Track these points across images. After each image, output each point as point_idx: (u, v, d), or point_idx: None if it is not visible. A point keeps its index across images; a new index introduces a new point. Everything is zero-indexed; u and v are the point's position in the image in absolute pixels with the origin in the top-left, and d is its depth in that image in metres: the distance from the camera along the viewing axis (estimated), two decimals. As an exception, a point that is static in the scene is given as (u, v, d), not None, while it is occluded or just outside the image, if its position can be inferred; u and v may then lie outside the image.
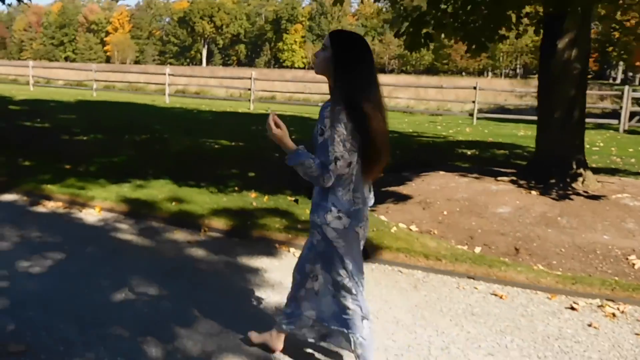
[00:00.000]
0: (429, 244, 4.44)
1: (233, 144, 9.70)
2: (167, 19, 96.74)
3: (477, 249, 4.40)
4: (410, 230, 4.81)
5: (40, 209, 5.36)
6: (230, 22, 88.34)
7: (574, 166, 5.75)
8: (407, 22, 6.75)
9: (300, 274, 2.56)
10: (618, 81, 63.76)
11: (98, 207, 5.34)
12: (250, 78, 19.48)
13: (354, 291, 2.47)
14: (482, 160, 8.82)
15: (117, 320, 3.07)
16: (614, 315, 3.40)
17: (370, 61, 2.29)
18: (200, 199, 5.56)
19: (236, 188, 6.15)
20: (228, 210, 5.21)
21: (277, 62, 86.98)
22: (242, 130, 11.91)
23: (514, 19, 6.49)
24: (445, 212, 5.09)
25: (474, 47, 6.58)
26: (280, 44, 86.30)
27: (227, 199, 5.66)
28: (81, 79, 25.78)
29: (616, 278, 3.92)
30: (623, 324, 3.30)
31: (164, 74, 21.08)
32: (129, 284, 3.57)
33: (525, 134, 13.30)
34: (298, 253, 4.26)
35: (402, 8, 7.55)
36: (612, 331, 3.21)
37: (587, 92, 5.92)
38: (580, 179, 5.71)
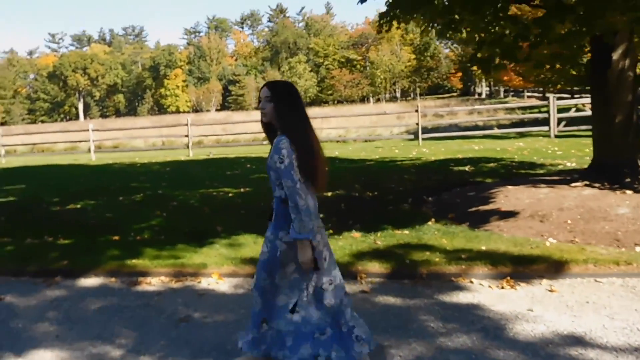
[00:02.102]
0: (599, 251, 4.55)
1: (242, 190, 9.20)
2: (33, 75, 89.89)
3: (638, 249, 4.59)
4: (553, 242, 4.89)
5: (148, 287, 4.66)
6: (105, 73, 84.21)
7: (639, 164, 6.25)
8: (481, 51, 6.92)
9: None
10: (483, 96, 70.35)
11: (216, 273, 4.77)
12: (186, 124, 18.68)
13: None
14: (495, 173, 9.23)
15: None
16: None
17: (301, 100, 2.87)
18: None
19: (331, 231, 5.83)
20: (363, 254, 4.92)
21: (160, 109, 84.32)
22: (222, 176, 11.35)
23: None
24: (569, 221, 5.25)
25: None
26: (162, 90, 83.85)
27: (344, 242, 5.34)
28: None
29: None
30: None
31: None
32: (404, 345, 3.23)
33: (484, 147, 14.16)
34: (483, 282, 4.18)
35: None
36: None
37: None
38: (646, 176, 6.22)
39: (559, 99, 18.38)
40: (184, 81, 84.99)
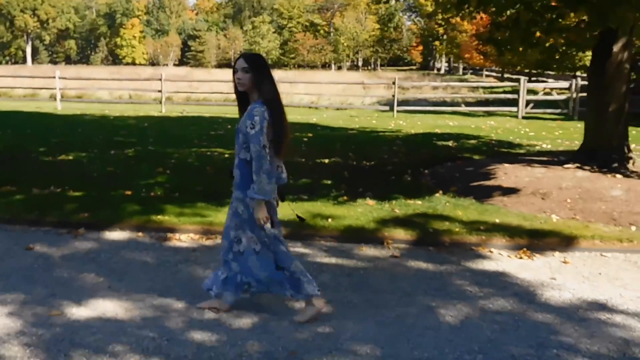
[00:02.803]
0: (602, 228, 5.00)
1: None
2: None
3: (633, 228, 5.07)
4: (557, 219, 5.32)
5: (180, 244, 4.78)
6: (57, 16, 79.50)
7: (626, 151, 6.78)
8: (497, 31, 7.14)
9: (227, 240, 3.32)
10: (442, 71, 71.49)
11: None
12: (160, 79, 18.23)
13: (272, 247, 3.28)
14: (479, 151, 9.67)
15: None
16: None
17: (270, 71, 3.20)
18: (344, 212, 5.41)
19: (345, 198, 6.07)
20: (386, 222, 5.18)
21: (115, 59, 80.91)
22: (208, 136, 11.30)
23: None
24: (568, 200, 5.69)
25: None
26: (117, 39, 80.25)
27: (363, 209, 5.59)
28: None
29: None
30: None
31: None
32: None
33: (458, 124, 14.63)
34: (502, 252, 4.55)
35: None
36: None
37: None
38: (631, 161, 6.76)
39: (529, 81, 19.06)
40: (141, 32, 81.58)
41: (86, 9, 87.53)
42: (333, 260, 4.40)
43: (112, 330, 3.20)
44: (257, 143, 3.02)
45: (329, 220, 5.16)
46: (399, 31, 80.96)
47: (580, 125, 14.73)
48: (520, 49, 7.37)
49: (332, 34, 76.73)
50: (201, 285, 3.55)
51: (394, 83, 17.69)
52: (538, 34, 6.89)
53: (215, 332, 3.18)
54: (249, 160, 3.10)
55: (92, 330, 3.18)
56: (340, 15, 75.77)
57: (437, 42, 71.43)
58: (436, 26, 70.98)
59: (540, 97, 18.04)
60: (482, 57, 48.32)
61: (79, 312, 3.41)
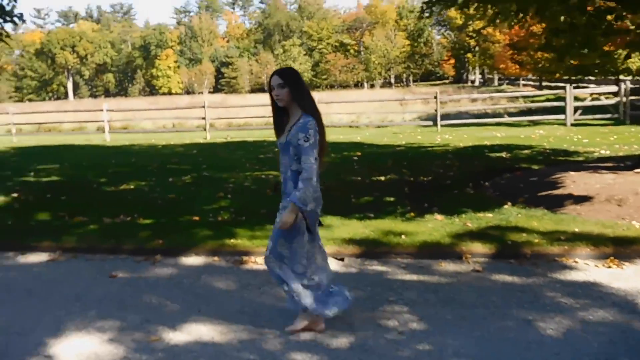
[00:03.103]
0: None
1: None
2: (18, 52, 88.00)
3: None
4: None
5: (257, 266, 4.80)
6: (94, 51, 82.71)
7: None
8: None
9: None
10: (477, 83, 70.75)
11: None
12: (203, 107, 18.64)
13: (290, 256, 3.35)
14: (535, 160, 9.46)
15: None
16: None
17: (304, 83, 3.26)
18: (416, 228, 5.36)
19: (412, 214, 6.01)
20: (461, 236, 5.10)
21: (151, 89, 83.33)
22: (257, 159, 11.42)
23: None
24: (648, 206, 5.49)
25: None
26: (153, 70, 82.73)
27: (433, 225, 5.52)
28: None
29: None
30: None
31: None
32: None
33: (506, 135, 14.39)
34: (588, 262, 4.40)
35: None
36: None
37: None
38: None
39: (575, 87, 18.66)
40: (175, 62, 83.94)
41: (122, 43, 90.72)
42: (415, 277, 4.35)
43: (212, 353, 3.22)
44: (310, 155, 3.08)
45: (402, 236, 5.11)
46: (429, 46, 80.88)
47: (634, 129, 14.37)
48: (583, 51, 7.22)
49: (362, 53, 77.19)
50: (290, 306, 3.54)
51: (435, 97, 17.57)
52: (597, 37, 6.76)
53: (314, 353, 3.16)
54: (300, 171, 3.14)
55: (193, 355, 3.22)
56: (369, 33, 76.25)
57: (469, 55, 70.95)
58: (467, 38, 70.75)
59: (587, 102, 17.61)
60: (517, 66, 47.90)
61: (176, 337, 3.45)
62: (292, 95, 3.16)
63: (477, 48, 67.77)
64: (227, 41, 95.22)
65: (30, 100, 79.31)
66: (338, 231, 5.44)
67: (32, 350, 3.33)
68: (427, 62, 79.46)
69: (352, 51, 78.33)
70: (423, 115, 23.10)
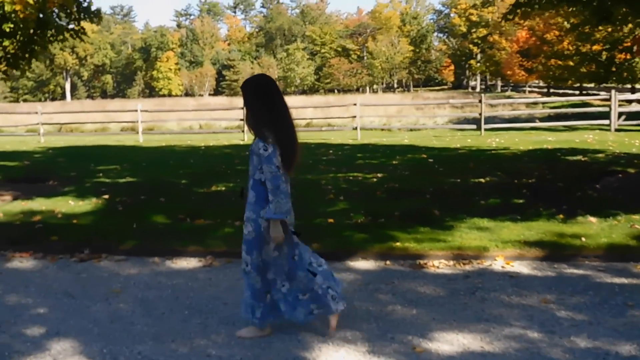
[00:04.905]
0: None
1: (379, 175, 9.00)
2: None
3: None
4: None
5: (440, 270, 4.55)
6: (94, 53, 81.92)
7: None
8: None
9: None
10: (478, 89, 71.08)
11: (500, 256, 4.70)
12: (242, 108, 18.34)
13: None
14: (619, 163, 9.30)
15: None
16: None
17: (272, 90, 3.16)
18: (585, 231, 5.16)
19: (562, 216, 5.80)
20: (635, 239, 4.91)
21: (151, 91, 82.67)
22: (324, 162, 11.16)
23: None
24: None
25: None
26: (153, 72, 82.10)
27: (598, 226, 5.31)
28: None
29: None
30: None
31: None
32: None
33: (557, 139, 14.25)
34: None
35: None
36: None
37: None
38: None
39: (585, 95, 18.64)
40: (176, 64, 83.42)
41: (122, 45, 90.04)
42: (624, 280, 4.12)
43: (495, 365, 2.97)
44: (271, 164, 3.01)
45: (582, 239, 4.91)
46: (429, 52, 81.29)
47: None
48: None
49: (365, 58, 77.27)
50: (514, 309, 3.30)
51: (480, 101, 17.45)
52: None
53: None
54: (263, 180, 3.08)
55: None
56: (373, 39, 76.38)
57: (472, 61, 71.34)
58: (471, 45, 71.15)
59: (633, 108, 17.59)
60: (525, 73, 48.13)
61: (438, 347, 3.20)
62: (247, 116, 3.18)
63: (479, 55, 68.19)
64: (229, 44, 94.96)
65: (25, 100, 78.26)
66: (502, 234, 5.23)
67: None
68: (429, 68, 79.80)
69: (354, 56, 78.38)
70: (454, 119, 23.02)
